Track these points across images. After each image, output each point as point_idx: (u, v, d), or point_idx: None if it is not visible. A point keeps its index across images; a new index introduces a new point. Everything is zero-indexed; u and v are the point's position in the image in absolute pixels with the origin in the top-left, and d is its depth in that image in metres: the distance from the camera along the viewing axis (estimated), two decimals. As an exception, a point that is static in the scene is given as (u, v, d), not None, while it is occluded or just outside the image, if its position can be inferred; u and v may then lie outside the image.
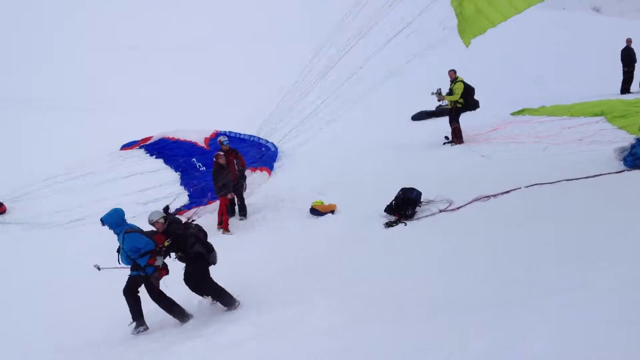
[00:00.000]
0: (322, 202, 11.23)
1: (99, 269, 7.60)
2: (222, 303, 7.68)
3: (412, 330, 5.49)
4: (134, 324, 7.52)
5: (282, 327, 6.52)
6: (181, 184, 14.85)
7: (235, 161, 11.92)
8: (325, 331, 6.07)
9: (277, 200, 12.22)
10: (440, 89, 14.33)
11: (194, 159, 15.92)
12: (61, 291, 9.36)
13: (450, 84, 14.33)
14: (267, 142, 16.48)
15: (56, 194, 14.65)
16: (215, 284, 7.68)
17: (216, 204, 12.01)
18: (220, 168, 11.45)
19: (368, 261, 8.48)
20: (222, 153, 11.69)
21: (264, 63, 28.61)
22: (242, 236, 11.23)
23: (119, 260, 7.58)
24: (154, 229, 7.66)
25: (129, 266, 7.54)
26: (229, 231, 11.37)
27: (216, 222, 11.68)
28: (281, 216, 11.59)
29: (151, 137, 18.02)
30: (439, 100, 14.71)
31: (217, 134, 16.89)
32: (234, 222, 11.79)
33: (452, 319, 5.46)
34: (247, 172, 12.79)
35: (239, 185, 11.87)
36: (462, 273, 6.99)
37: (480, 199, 9.87)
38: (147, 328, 7.57)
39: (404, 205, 10.10)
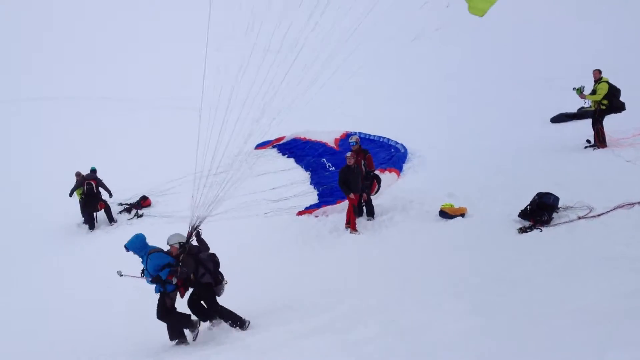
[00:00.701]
0: (451, 205, 11.09)
1: (120, 275, 8.11)
2: (231, 324, 7.95)
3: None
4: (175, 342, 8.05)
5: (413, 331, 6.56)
6: (310, 183, 15.46)
7: (362, 162, 12.15)
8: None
9: (405, 202, 12.23)
10: (583, 86, 13.52)
11: (324, 159, 16.48)
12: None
13: (594, 84, 13.49)
14: (397, 143, 16.57)
15: (196, 190, 15.94)
16: (222, 308, 8.00)
17: (345, 204, 12.35)
18: (348, 169, 11.73)
19: (500, 269, 8.22)
20: (352, 154, 11.96)
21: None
22: (370, 236, 11.47)
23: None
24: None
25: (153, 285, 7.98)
26: (356, 231, 11.63)
27: (344, 222, 12.06)
28: (409, 218, 11.56)
29: (283, 137, 18.91)
30: (581, 98, 13.88)
31: (347, 135, 17.32)
32: (361, 222, 12.05)
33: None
34: (376, 173, 12.99)
35: (365, 186, 12.09)
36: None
37: (624, 206, 9.20)
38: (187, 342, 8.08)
39: (540, 211, 9.67)
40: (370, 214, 12.23)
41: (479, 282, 7.70)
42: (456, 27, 19.44)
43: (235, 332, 7.84)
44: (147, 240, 8.15)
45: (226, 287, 8.22)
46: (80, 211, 15.71)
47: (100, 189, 15.38)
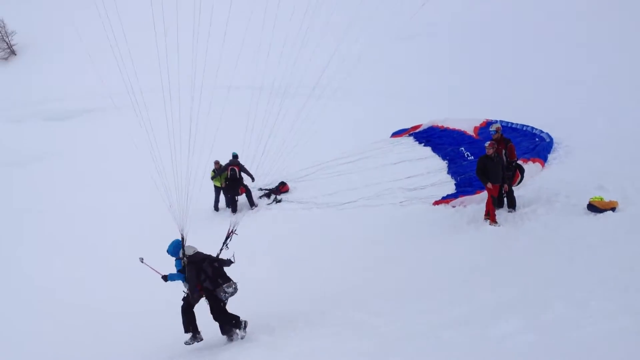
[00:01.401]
0: (601, 198, 10.40)
1: (142, 261, 8.71)
2: (222, 331, 8.43)
3: None
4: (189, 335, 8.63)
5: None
6: (448, 173, 15.33)
7: (503, 151, 11.81)
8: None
9: (550, 194, 11.69)
10: None
11: (462, 148, 16.22)
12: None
13: None
14: (542, 132, 15.80)
15: (332, 177, 16.57)
16: (227, 315, 8.40)
17: (484, 195, 12.12)
18: (486, 158, 11.45)
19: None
20: (491, 143, 11.66)
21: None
22: (510, 229, 11.14)
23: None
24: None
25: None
26: (496, 222, 11.36)
27: (483, 213, 11.85)
28: (553, 211, 11.03)
29: (420, 125, 18.88)
30: None
31: (488, 123, 16.85)
32: (501, 213, 11.74)
33: None
34: (519, 164, 12.52)
35: (507, 177, 11.73)
36: None
37: None
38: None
39: None
40: (511, 205, 11.86)
41: (630, 280, 7.23)
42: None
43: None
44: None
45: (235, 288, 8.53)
46: (214, 197, 17.01)
47: (243, 174, 16.44)
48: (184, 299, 8.72)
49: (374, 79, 25.54)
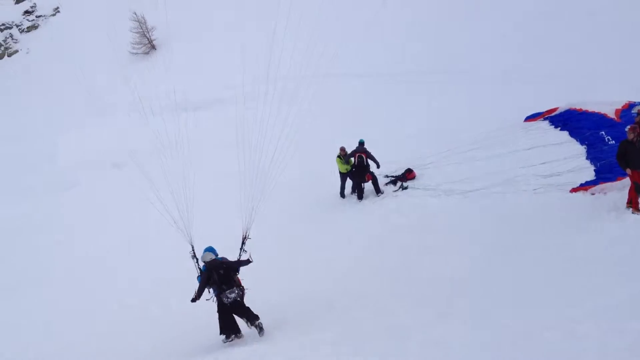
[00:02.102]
0: None
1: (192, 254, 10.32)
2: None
3: None
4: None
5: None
6: (587, 158, 14.61)
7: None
8: None
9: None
10: None
11: (603, 132, 15.33)
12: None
13: None
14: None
15: (459, 164, 16.43)
16: (227, 319, 9.76)
17: (626, 182, 11.51)
18: (627, 143, 10.82)
19: None
20: (632, 127, 11.01)
21: None
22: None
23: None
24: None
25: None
26: (639, 211, 10.79)
27: (625, 201, 11.24)
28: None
29: (556, 108, 18.06)
30: None
31: (631, 105, 15.81)
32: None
33: None
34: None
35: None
36: None
37: None
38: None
39: None
40: (656, 192, 11.13)
41: None
42: None
43: None
44: None
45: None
46: (340, 184, 17.52)
47: (369, 161, 16.80)
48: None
49: (502, 59, 24.71)
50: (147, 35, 38.08)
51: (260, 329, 9.72)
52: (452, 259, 11.11)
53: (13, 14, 50.09)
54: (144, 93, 27.68)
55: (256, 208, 10.51)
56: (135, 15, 37.59)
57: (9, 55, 46.59)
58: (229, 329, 9.86)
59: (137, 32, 37.93)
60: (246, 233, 10.76)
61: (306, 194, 18.45)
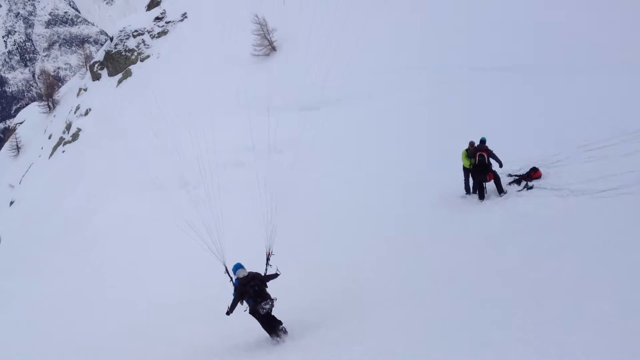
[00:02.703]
0: None
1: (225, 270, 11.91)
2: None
3: None
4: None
5: None
6: None
7: None
8: None
9: None
10: None
11: None
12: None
13: None
14: None
15: (590, 162, 15.66)
16: (267, 324, 11.18)
17: None
18: None
19: None
20: None
21: None
22: None
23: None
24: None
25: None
26: None
27: None
28: None
29: None
30: None
31: None
32: None
33: None
34: None
35: None
36: None
37: None
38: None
39: None
40: None
41: None
42: None
43: None
44: None
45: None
46: (464, 180, 17.31)
47: (491, 160, 16.49)
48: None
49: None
50: (268, 37, 39.61)
51: (284, 331, 11.25)
52: (576, 262, 10.72)
53: (145, 20, 54.21)
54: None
55: (276, 225, 11.87)
56: (256, 18, 39.24)
57: (142, 60, 50.48)
58: (273, 330, 11.31)
59: (258, 34, 39.58)
60: (270, 249, 12.06)
61: (421, 191, 18.62)
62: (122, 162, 32.98)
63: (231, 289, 11.71)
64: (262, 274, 11.46)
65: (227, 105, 33.21)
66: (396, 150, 22.87)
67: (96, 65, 54.89)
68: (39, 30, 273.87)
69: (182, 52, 44.94)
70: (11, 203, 47.92)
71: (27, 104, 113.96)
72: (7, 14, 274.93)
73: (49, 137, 55.15)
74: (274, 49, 39.72)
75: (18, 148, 62.86)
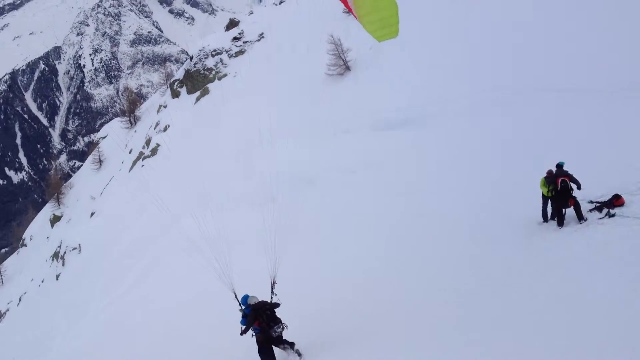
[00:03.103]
0: None
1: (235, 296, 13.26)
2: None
3: None
4: None
5: None
6: None
7: None
8: None
9: None
10: None
11: None
12: None
13: None
14: None
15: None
16: (267, 353, 12.27)
17: None
18: None
19: None
20: None
21: None
22: None
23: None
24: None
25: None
26: None
27: None
28: None
29: None
30: None
31: None
32: None
33: None
34: None
35: None
36: None
37: None
38: None
39: None
40: None
41: None
42: None
43: None
44: None
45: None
46: (542, 208, 16.84)
47: (571, 184, 15.99)
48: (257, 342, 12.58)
49: None
50: (342, 57, 40.14)
51: (298, 354, 12.51)
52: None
53: (223, 40, 56.21)
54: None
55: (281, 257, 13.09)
56: (332, 38, 39.90)
57: (219, 79, 52.27)
58: (266, 347, 12.39)
59: (333, 54, 40.19)
60: (273, 280, 13.40)
61: (497, 216, 18.24)
62: (196, 179, 34.06)
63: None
64: (269, 302, 12.81)
65: (302, 124, 33.84)
66: (468, 171, 22.57)
67: (176, 83, 57.28)
68: (124, 49, 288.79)
69: (258, 71, 46.26)
70: (92, 214, 50.41)
71: (110, 119, 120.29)
72: (94, 32, 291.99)
73: (130, 152, 57.78)
74: (348, 68, 40.19)
75: (100, 161, 66.09)
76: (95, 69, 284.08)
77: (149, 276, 26.46)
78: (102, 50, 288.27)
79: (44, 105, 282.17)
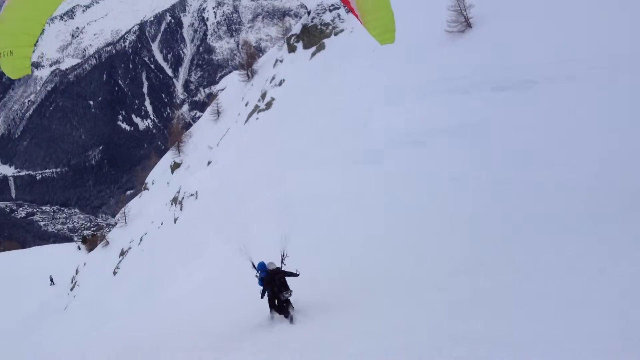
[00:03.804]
0: None
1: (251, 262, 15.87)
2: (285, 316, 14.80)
3: None
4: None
5: None
6: None
7: None
8: None
9: None
10: None
11: None
12: None
13: None
14: None
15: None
16: (279, 306, 14.83)
17: None
18: None
19: None
20: None
21: None
22: None
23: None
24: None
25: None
26: None
27: None
28: None
29: None
30: None
31: None
32: None
33: None
34: None
35: None
36: None
37: None
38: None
39: None
40: None
41: None
42: None
43: None
44: None
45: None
46: None
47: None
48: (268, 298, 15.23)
49: None
50: (464, 13, 38.91)
51: (291, 320, 14.38)
52: None
53: (342, -5, 56.05)
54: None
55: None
56: (453, -6, 38.73)
57: (335, 34, 52.51)
58: (276, 308, 14.89)
59: (454, 10, 39.06)
60: (283, 252, 15.54)
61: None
62: (311, 135, 34.77)
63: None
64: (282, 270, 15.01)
65: (419, 83, 33.44)
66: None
67: (293, 38, 58.21)
68: (245, 3, 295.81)
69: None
70: (209, 163, 53.24)
71: (229, 72, 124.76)
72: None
73: (246, 105, 59.90)
74: (469, 25, 38.93)
75: (218, 113, 69.08)
76: (218, 22, 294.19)
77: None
78: (225, 3, 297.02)
79: (169, 56, 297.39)
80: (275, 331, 14.22)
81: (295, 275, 14.70)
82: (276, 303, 14.80)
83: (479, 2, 38.42)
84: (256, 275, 15.20)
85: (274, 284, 14.50)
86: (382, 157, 26.28)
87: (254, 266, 15.40)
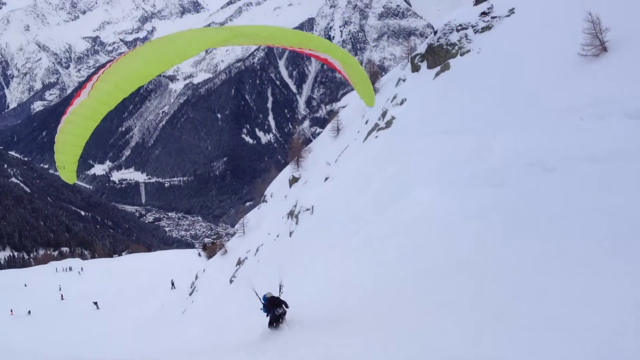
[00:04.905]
0: None
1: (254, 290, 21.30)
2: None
3: None
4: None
5: None
6: None
7: None
8: None
9: None
10: None
11: None
12: None
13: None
14: None
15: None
16: (274, 321, 18.55)
17: None
18: None
19: None
20: None
21: None
22: None
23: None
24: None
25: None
26: None
27: None
28: None
29: None
30: None
31: None
32: None
33: None
34: None
35: None
36: None
37: None
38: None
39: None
40: None
41: None
42: None
43: None
44: None
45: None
46: None
47: None
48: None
49: None
50: (600, 37, 36.98)
51: (286, 324, 18.13)
52: None
53: (470, 15, 55.22)
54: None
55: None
56: (589, 16, 36.91)
57: (461, 55, 51.73)
58: (274, 324, 18.49)
59: (589, 33, 37.24)
60: (280, 284, 20.23)
61: None
62: (429, 157, 34.41)
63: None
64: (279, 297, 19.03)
65: (551, 106, 32.15)
66: None
67: (417, 57, 58.09)
68: (372, 22, 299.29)
69: (504, 49, 44.73)
70: (326, 179, 54.19)
71: (351, 90, 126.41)
72: (346, 5, 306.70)
73: (366, 122, 60.45)
74: (604, 49, 36.92)
75: (338, 129, 70.23)
76: (344, 41, 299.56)
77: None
78: (351, 22, 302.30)
79: (294, 73, 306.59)
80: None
81: (286, 306, 18.61)
82: (272, 320, 18.72)
83: (615, 26, 36.38)
84: (261, 301, 19.23)
85: (273, 305, 18.55)
86: (505, 180, 25.36)
87: (257, 296, 19.83)
